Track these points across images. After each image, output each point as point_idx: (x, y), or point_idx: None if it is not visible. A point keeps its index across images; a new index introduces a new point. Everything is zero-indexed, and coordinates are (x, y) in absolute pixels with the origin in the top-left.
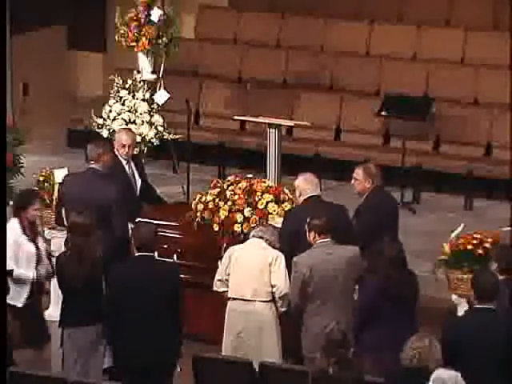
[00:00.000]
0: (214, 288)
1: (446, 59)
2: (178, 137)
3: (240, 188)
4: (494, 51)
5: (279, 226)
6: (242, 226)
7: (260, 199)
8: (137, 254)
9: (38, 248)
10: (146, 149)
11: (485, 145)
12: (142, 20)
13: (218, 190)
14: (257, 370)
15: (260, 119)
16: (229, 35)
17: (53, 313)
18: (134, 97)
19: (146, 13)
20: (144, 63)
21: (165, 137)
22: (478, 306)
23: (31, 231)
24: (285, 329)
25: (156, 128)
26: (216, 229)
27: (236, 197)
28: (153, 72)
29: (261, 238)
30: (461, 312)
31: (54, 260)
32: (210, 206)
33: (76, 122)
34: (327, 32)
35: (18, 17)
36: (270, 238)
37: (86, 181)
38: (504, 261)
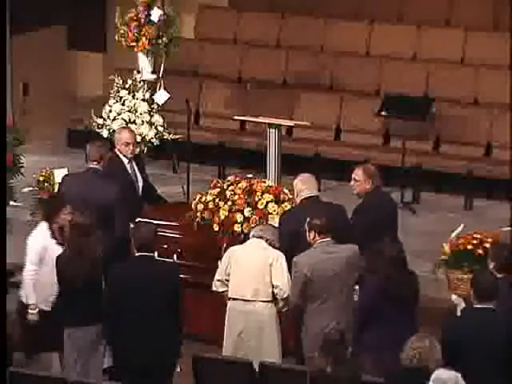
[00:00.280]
0: (214, 288)
1: (446, 59)
2: (177, 137)
3: (240, 188)
4: (494, 51)
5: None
6: (241, 225)
7: (260, 199)
8: (137, 254)
9: None
10: (145, 149)
11: (485, 145)
12: (142, 20)
13: (218, 189)
14: (257, 370)
15: (260, 119)
16: (229, 35)
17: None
18: (133, 97)
19: (146, 13)
20: (144, 63)
21: (165, 137)
22: (477, 306)
23: (60, 235)
24: (285, 329)
25: (156, 128)
26: (216, 229)
27: (236, 197)
28: (153, 72)
29: (261, 237)
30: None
31: None
32: (210, 206)
33: (76, 121)
34: (327, 32)
35: (17, 17)
36: (270, 238)
37: (85, 181)
38: (501, 259)
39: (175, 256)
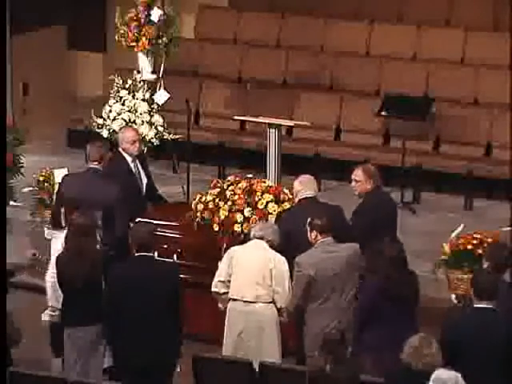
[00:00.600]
0: (215, 289)
1: (446, 59)
2: (177, 137)
3: (240, 188)
4: (494, 51)
5: None
6: (241, 226)
7: (260, 199)
8: (136, 254)
9: None
10: (146, 149)
11: (485, 145)
12: (142, 20)
13: (218, 190)
14: (257, 370)
15: (260, 119)
16: (229, 35)
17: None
18: (134, 97)
19: (146, 13)
20: (144, 63)
21: (165, 137)
22: (477, 306)
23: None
24: (285, 329)
25: (156, 128)
26: (216, 229)
27: (236, 197)
28: (153, 72)
29: (262, 238)
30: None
31: None
32: (210, 206)
33: (76, 121)
34: (327, 32)
35: (18, 17)
36: (270, 238)
37: (85, 181)
38: (495, 259)
39: (175, 256)
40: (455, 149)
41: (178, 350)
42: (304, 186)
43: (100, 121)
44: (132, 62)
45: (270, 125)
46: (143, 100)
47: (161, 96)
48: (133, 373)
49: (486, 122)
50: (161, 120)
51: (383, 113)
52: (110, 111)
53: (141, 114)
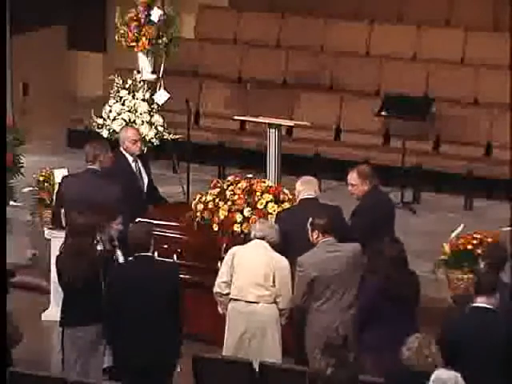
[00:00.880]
0: (218, 290)
1: (446, 59)
2: (178, 137)
3: (240, 188)
4: (494, 51)
5: None
6: (241, 226)
7: (260, 199)
8: (136, 255)
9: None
10: (146, 149)
11: (485, 145)
12: (142, 20)
13: (218, 190)
14: (257, 370)
15: (260, 119)
16: (229, 35)
17: (53, 313)
18: (134, 97)
19: (146, 13)
20: (144, 63)
21: (165, 137)
22: (477, 306)
23: (110, 243)
24: (285, 329)
25: (156, 128)
26: (216, 229)
27: (236, 197)
28: (153, 72)
29: (263, 238)
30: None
31: None
32: (210, 206)
33: (76, 121)
34: (327, 32)
35: (18, 17)
36: (271, 239)
37: (85, 181)
38: (490, 258)
39: (175, 256)
40: (455, 149)
41: (178, 350)
42: (305, 187)
43: (100, 121)
44: (132, 62)
45: (270, 125)
46: (143, 100)
47: (161, 96)
48: (133, 373)
49: (486, 122)
50: (161, 120)
51: (383, 113)
52: (110, 111)
53: (141, 113)
